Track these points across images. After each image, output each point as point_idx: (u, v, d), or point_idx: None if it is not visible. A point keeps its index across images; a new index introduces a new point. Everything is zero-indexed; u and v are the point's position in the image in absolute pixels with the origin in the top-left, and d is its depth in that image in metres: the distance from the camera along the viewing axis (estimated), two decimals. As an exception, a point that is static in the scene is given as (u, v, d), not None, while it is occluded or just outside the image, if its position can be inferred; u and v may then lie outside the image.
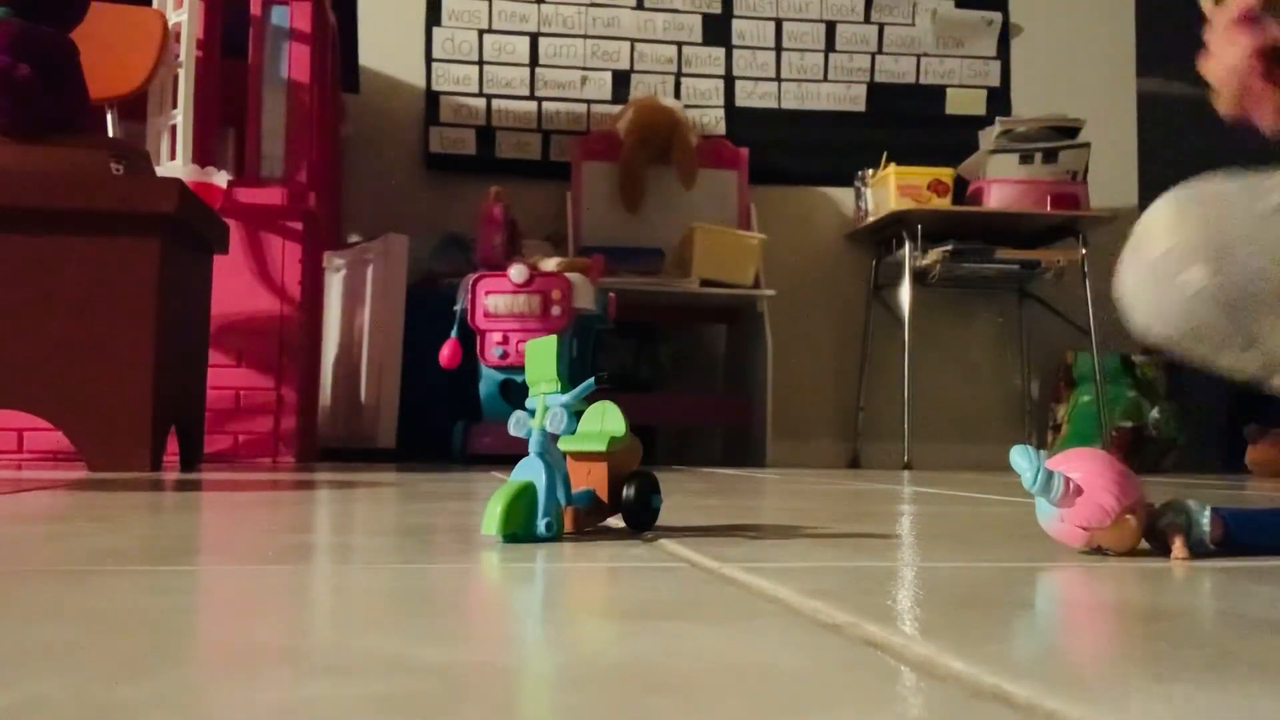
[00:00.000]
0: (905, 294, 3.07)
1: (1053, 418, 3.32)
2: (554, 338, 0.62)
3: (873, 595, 0.42)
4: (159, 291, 1.58)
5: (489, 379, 2.47)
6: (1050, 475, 0.54)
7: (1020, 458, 0.56)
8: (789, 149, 3.47)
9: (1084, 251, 3.03)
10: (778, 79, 3.52)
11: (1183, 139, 3.11)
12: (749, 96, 3.51)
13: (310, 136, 2.38)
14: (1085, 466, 0.56)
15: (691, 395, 3.29)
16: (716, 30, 3.52)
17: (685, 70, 3.48)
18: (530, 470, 0.60)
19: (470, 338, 2.45)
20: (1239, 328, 0.64)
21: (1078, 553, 0.55)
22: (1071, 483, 0.54)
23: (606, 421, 0.65)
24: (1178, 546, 0.55)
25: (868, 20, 3.58)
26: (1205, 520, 0.55)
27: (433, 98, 3.36)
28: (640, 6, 3.47)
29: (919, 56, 3.58)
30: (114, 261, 1.57)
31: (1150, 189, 3.26)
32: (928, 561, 0.54)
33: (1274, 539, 0.58)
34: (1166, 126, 3.46)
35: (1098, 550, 0.55)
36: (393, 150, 3.33)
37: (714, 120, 3.48)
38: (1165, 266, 0.65)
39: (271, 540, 0.62)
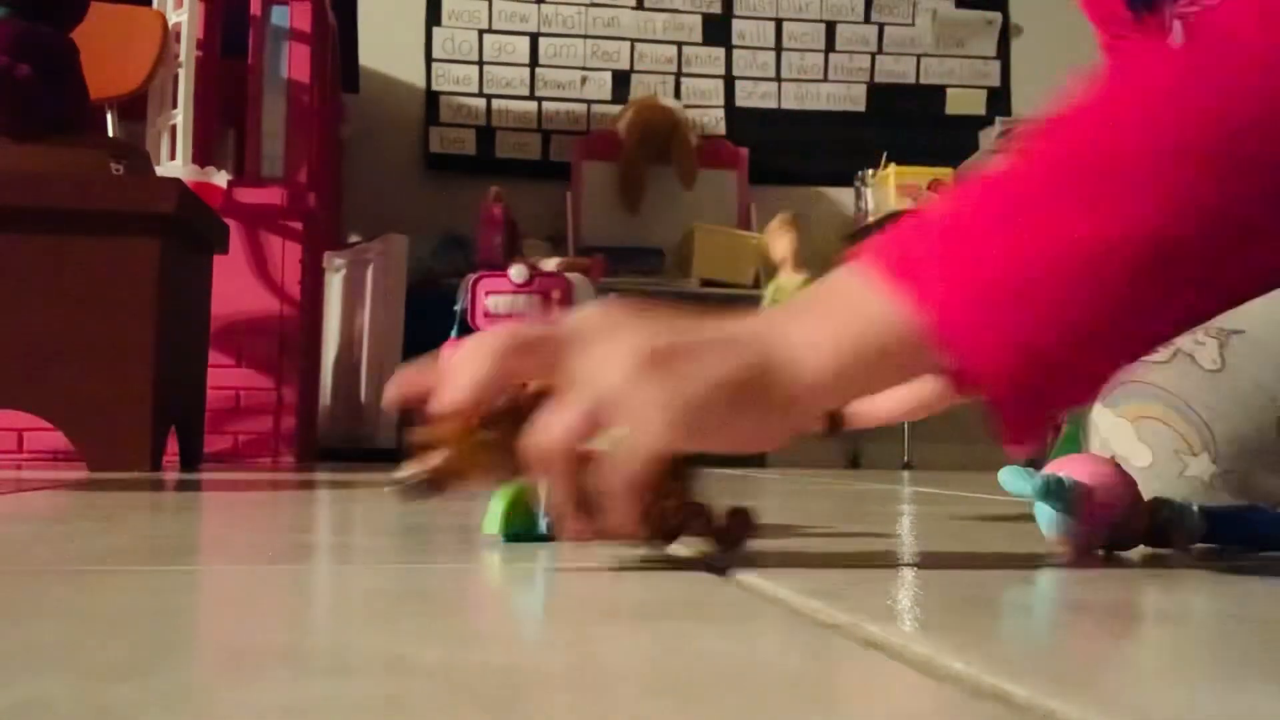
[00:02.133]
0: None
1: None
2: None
3: (873, 595, 0.42)
4: (159, 291, 1.58)
5: (489, 379, 2.47)
6: (1059, 480, 0.54)
7: (1013, 477, 0.56)
8: (789, 149, 3.47)
9: (1084, 251, 3.02)
10: (778, 79, 3.52)
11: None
12: (749, 96, 3.51)
13: (310, 136, 2.38)
14: (1081, 467, 0.56)
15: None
16: (716, 30, 3.52)
17: (685, 70, 3.48)
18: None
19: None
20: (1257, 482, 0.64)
21: (1083, 552, 0.55)
22: (1080, 484, 0.54)
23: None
24: (1180, 544, 0.55)
25: (868, 20, 3.58)
26: (1196, 515, 0.56)
27: (433, 98, 3.36)
28: (640, 6, 3.47)
29: (919, 56, 3.59)
30: (114, 261, 1.57)
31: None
32: (928, 561, 0.54)
33: (1253, 532, 0.58)
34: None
35: (1109, 548, 0.55)
36: (393, 150, 3.33)
37: (714, 120, 3.48)
38: (1161, 470, 0.64)
39: (271, 540, 0.62)
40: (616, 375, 0.43)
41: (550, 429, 0.44)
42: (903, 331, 0.44)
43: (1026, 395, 0.44)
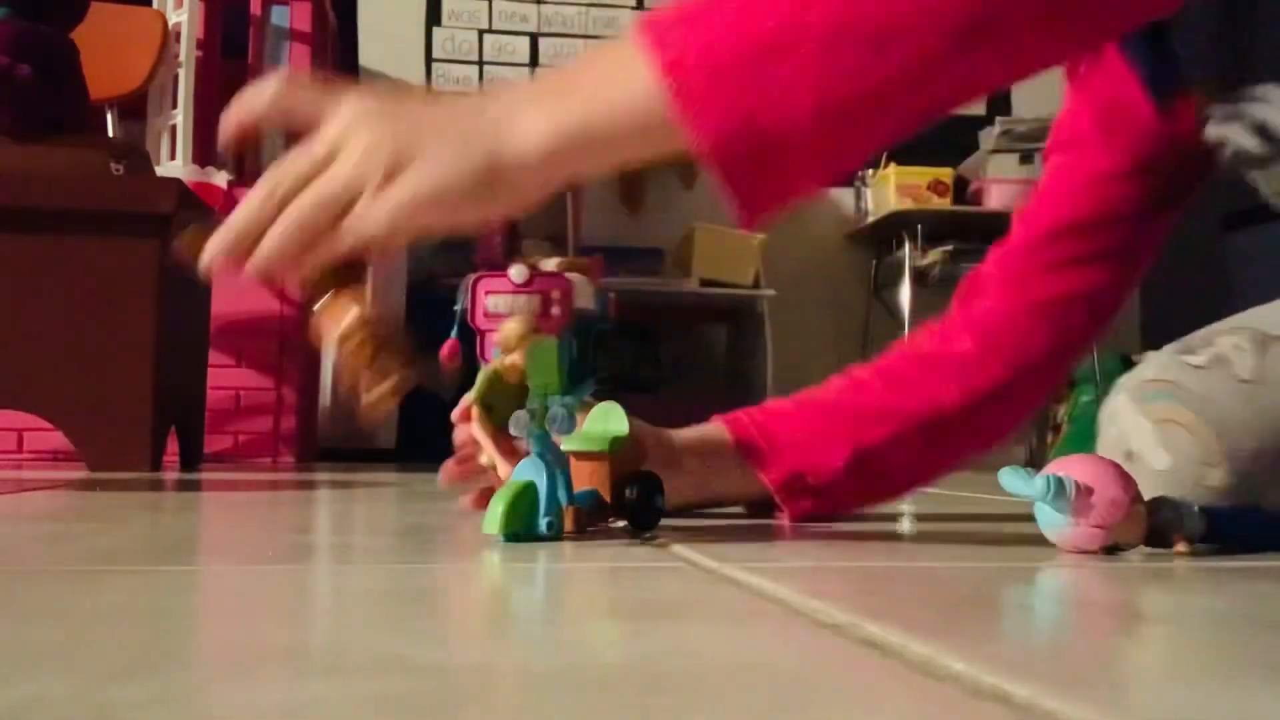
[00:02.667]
0: (905, 294, 3.07)
1: (1053, 418, 3.32)
2: (554, 340, 0.62)
3: (873, 595, 0.42)
4: (159, 291, 1.58)
5: (489, 379, 2.47)
6: (1060, 480, 0.54)
7: (1013, 478, 0.56)
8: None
9: (1084, 251, 3.02)
10: (778, 79, 3.52)
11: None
12: (749, 96, 3.50)
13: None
14: (1081, 468, 0.56)
15: (692, 395, 3.29)
16: (716, 30, 3.52)
17: (685, 70, 3.48)
18: (532, 470, 0.60)
19: (470, 338, 2.45)
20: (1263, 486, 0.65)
21: (1083, 553, 0.55)
22: (1080, 484, 0.54)
23: (610, 422, 0.65)
24: (1180, 543, 0.55)
25: (868, 20, 3.57)
26: (1196, 515, 0.56)
27: (433, 98, 3.36)
28: (640, 6, 3.47)
29: (919, 56, 3.58)
30: (114, 261, 1.57)
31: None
32: (928, 561, 0.54)
33: (1253, 532, 0.58)
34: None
35: (1112, 549, 0.55)
36: (393, 150, 3.32)
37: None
38: (1179, 477, 0.64)
39: (271, 540, 0.62)
40: (352, 166, 0.50)
41: (293, 169, 0.53)
42: (648, 100, 0.46)
43: (749, 166, 0.47)
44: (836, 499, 0.76)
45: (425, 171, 0.49)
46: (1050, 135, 0.82)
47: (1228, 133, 0.70)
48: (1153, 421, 0.66)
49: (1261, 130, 0.68)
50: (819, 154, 0.48)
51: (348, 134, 0.51)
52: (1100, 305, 0.77)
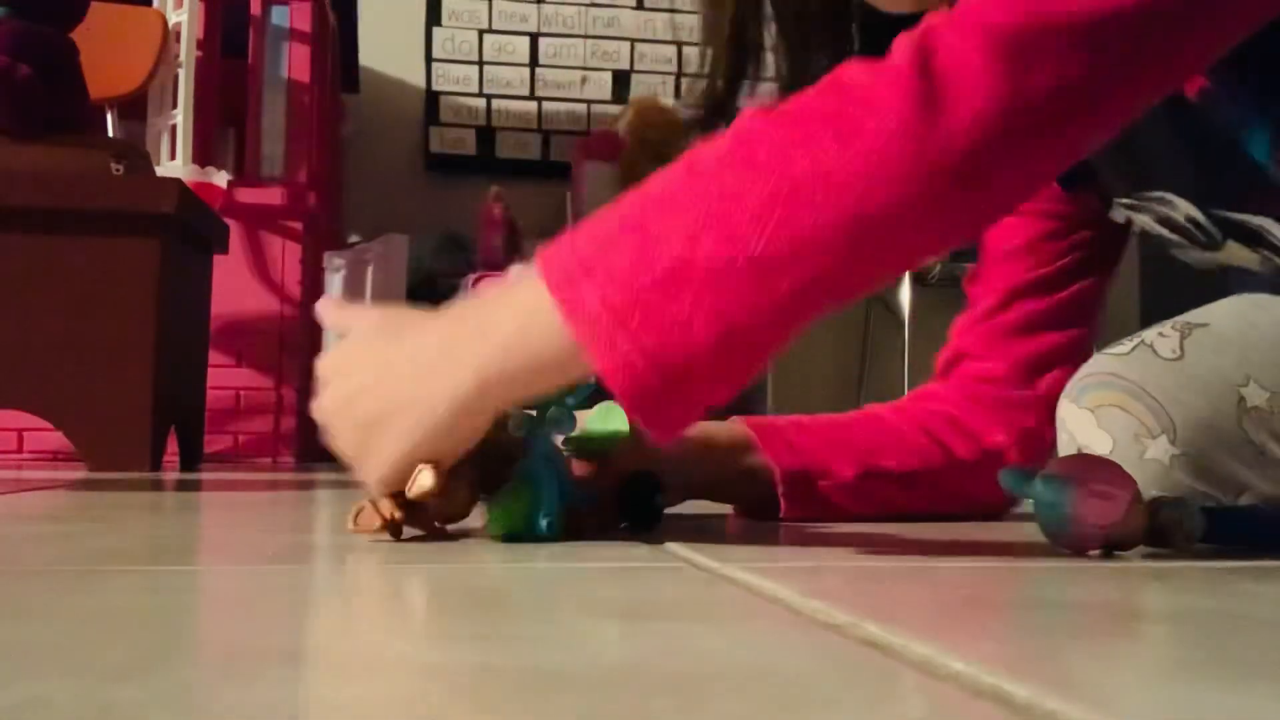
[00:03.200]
0: (905, 294, 3.07)
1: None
2: None
3: (873, 595, 0.42)
4: (159, 291, 1.58)
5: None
6: (1059, 480, 0.53)
7: (1012, 477, 0.56)
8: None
9: (1084, 251, 3.03)
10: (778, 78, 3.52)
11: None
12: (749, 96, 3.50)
13: (310, 136, 2.38)
14: (1078, 467, 0.56)
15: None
16: (716, 30, 3.52)
17: (685, 70, 3.48)
18: (532, 469, 0.60)
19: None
20: (1221, 478, 0.65)
21: (1082, 553, 0.55)
22: (1080, 484, 0.54)
23: (611, 422, 0.65)
24: (1177, 542, 0.55)
25: (868, 20, 3.57)
26: (1196, 515, 0.56)
27: (433, 98, 3.36)
28: (640, 6, 3.47)
29: (919, 56, 3.58)
30: (114, 261, 1.57)
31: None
32: (928, 562, 0.54)
33: (1253, 532, 0.59)
34: (1166, 126, 3.45)
35: (1111, 549, 0.55)
36: (393, 150, 3.32)
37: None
38: (1123, 454, 0.65)
39: (271, 540, 0.62)
40: (341, 448, 0.58)
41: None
42: (558, 342, 0.51)
43: (655, 398, 0.50)
44: (836, 508, 0.77)
45: (388, 448, 0.55)
46: None
47: (1135, 218, 0.76)
48: (1089, 410, 0.67)
49: (1167, 222, 0.73)
50: (722, 378, 0.52)
51: (328, 419, 0.58)
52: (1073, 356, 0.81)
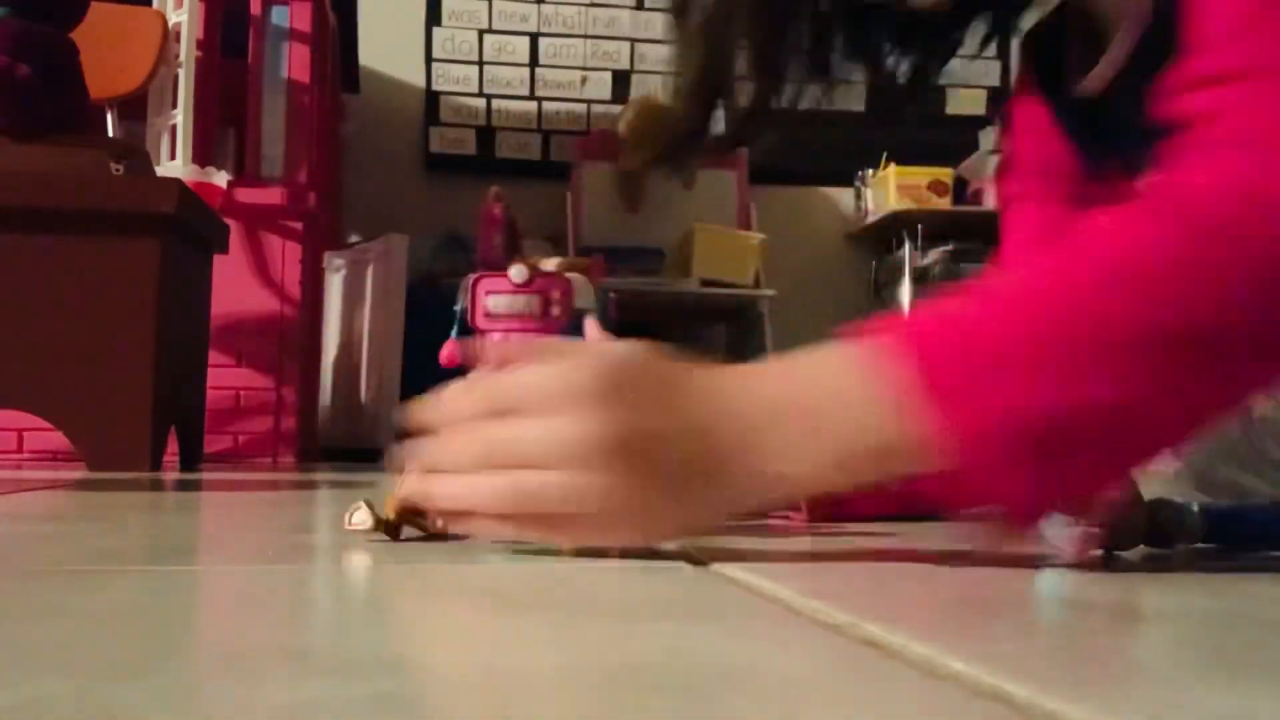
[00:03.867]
0: (905, 294, 3.07)
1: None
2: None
3: (873, 595, 0.42)
4: (159, 291, 1.58)
5: (489, 379, 2.47)
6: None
7: None
8: (789, 149, 3.47)
9: (1084, 251, 3.03)
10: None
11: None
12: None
13: (310, 136, 2.38)
14: None
15: (691, 395, 3.29)
16: (716, 30, 3.52)
17: (685, 70, 3.47)
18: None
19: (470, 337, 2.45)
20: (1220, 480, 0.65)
21: (1083, 552, 0.55)
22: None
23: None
24: (1177, 542, 0.55)
25: (868, 20, 3.57)
26: (1196, 515, 0.56)
27: (433, 98, 3.36)
28: (640, 6, 3.47)
29: (919, 56, 3.58)
30: (114, 261, 1.57)
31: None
32: (928, 562, 0.54)
33: (1253, 531, 0.58)
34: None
35: (1109, 548, 0.55)
36: (393, 150, 3.33)
37: (713, 120, 3.47)
38: None
39: (271, 540, 0.62)
40: (577, 497, 0.46)
41: (478, 490, 0.48)
42: (911, 452, 0.44)
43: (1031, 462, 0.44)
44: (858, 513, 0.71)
45: (694, 511, 0.48)
46: (1007, 172, 0.84)
47: None
48: None
49: None
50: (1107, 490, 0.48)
51: (578, 457, 0.46)
52: None
